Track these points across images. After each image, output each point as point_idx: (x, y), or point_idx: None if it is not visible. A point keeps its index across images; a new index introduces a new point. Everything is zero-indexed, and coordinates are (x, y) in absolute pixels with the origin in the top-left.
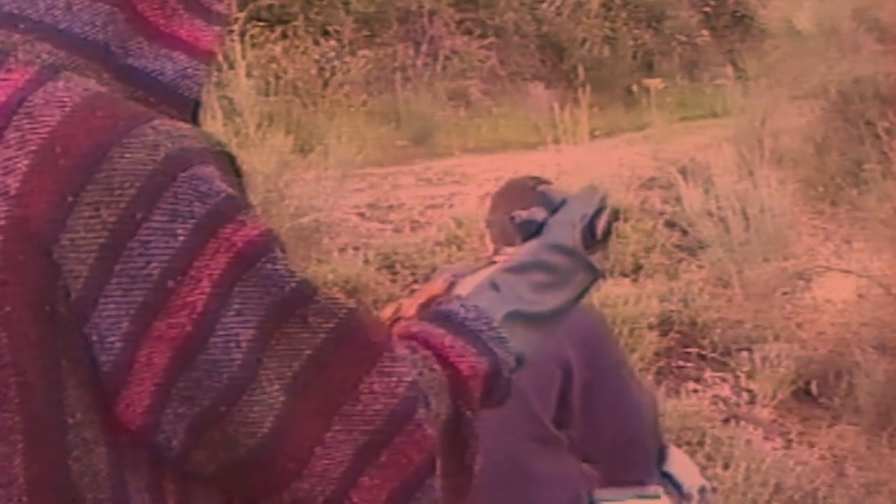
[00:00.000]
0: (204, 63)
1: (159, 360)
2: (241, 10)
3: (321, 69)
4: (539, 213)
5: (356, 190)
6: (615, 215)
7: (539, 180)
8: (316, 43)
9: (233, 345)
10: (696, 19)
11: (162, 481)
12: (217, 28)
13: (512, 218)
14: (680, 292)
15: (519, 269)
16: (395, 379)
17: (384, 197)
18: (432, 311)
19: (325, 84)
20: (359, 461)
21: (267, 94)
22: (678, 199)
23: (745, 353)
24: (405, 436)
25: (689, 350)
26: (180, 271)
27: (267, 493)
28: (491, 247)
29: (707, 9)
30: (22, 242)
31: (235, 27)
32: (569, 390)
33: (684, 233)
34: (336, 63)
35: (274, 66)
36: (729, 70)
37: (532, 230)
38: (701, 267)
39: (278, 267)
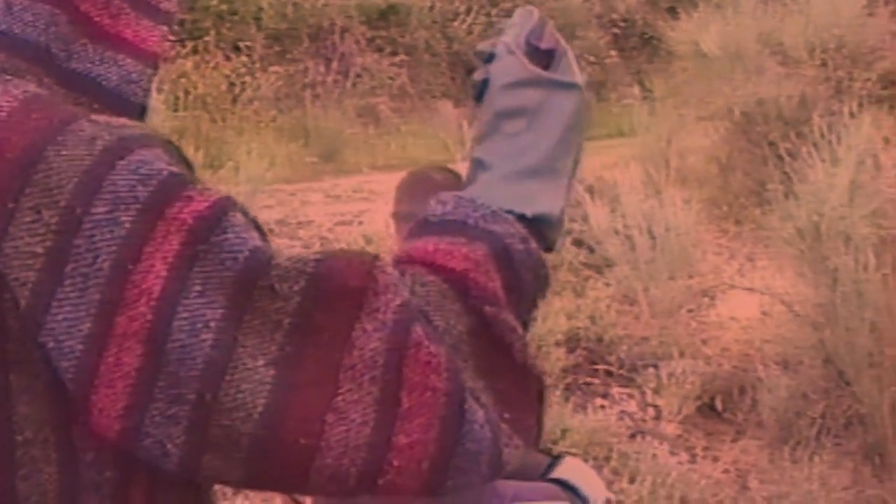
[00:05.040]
0: (150, 66)
1: (129, 359)
2: None
3: (231, 85)
4: (480, 73)
5: (265, 206)
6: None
7: (442, 169)
8: (227, 58)
9: (200, 325)
10: (604, 40)
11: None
12: (164, 27)
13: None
14: (587, 310)
15: (487, 132)
16: (381, 310)
17: (293, 213)
18: (411, 225)
19: (235, 100)
20: (382, 417)
21: (176, 110)
22: (585, 218)
23: (651, 370)
24: (411, 362)
25: (596, 367)
26: (131, 259)
27: (295, 483)
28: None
29: (616, 30)
30: None
31: None
32: None
33: (591, 251)
34: (247, 79)
35: (184, 81)
36: (636, 90)
37: (483, 90)
38: (608, 285)
39: (229, 236)
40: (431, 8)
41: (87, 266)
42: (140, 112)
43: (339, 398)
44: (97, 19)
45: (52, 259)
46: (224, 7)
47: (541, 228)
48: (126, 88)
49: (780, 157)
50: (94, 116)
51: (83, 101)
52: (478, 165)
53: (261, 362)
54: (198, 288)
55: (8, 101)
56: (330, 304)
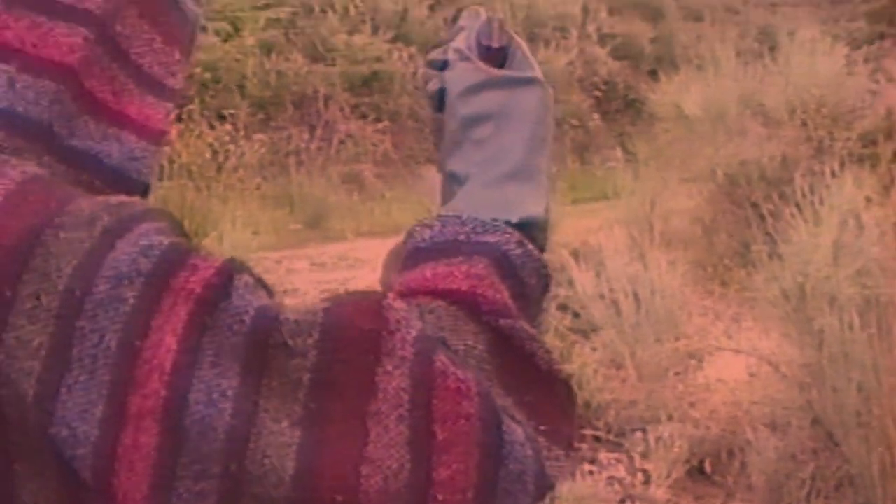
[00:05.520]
0: (153, 143)
1: (147, 439)
2: None
3: (215, 153)
4: (435, 82)
5: None
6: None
7: None
8: (211, 127)
9: (217, 395)
10: (587, 103)
11: None
12: (169, 104)
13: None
14: (574, 375)
15: (455, 143)
16: (399, 347)
17: (279, 282)
18: (403, 257)
19: (220, 168)
20: (418, 455)
21: (161, 179)
22: (570, 283)
23: (639, 434)
24: (440, 392)
25: (583, 432)
26: (139, 335)
27: None
28: None
29: (598, 93)
30: None
31: None
32: None
33: (577, 316)
34: (231, 147)
35: (168, 149)
36: (619, 153)
37: (442, 100)
38: (594, 349)
39: (233, 300)
40: (414, 74)
41: (94, 347)
42: (143, 190)
43: (370, 447)
44: (101, 96)
45: (57, 345)
46: (208, 75)
47: (528, 232)
48: (128, 165)
49: (763, 218)
50: (92, 195)
51: (84, 178)
52: (453, 179)
53: (285, 424)
54: (210, 358)
55: (5, 185)
56: (347, 352)
